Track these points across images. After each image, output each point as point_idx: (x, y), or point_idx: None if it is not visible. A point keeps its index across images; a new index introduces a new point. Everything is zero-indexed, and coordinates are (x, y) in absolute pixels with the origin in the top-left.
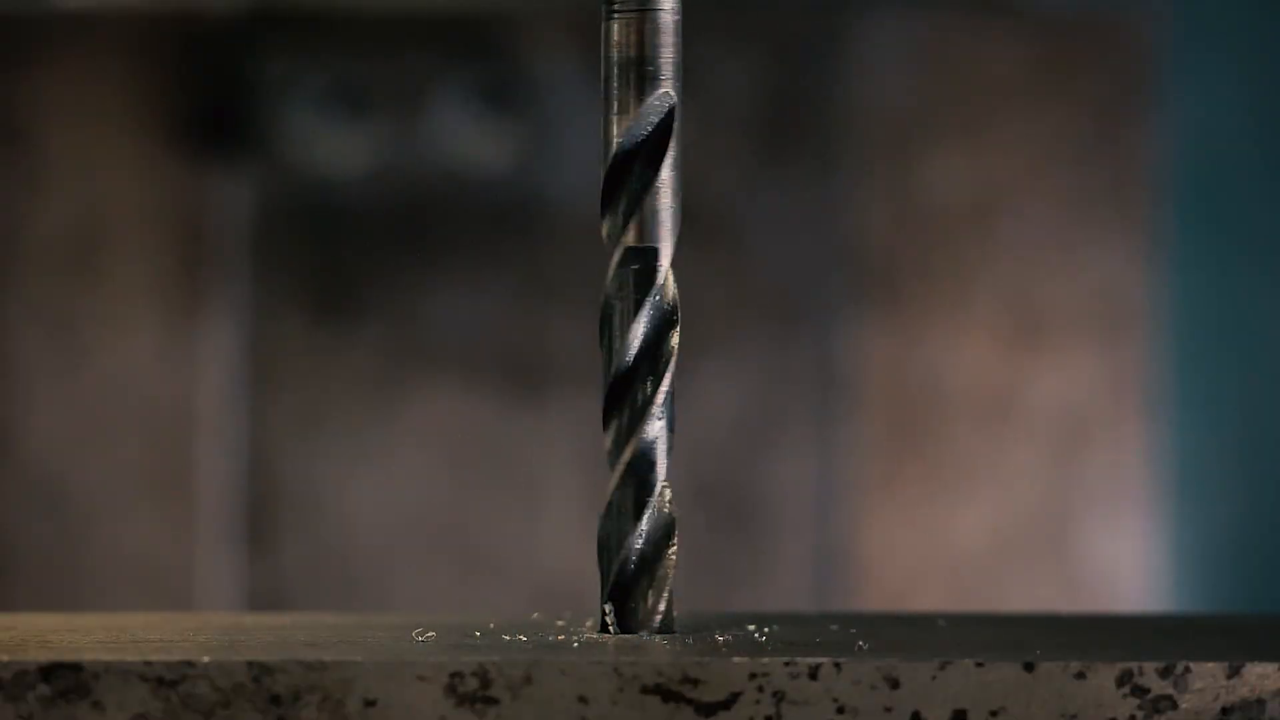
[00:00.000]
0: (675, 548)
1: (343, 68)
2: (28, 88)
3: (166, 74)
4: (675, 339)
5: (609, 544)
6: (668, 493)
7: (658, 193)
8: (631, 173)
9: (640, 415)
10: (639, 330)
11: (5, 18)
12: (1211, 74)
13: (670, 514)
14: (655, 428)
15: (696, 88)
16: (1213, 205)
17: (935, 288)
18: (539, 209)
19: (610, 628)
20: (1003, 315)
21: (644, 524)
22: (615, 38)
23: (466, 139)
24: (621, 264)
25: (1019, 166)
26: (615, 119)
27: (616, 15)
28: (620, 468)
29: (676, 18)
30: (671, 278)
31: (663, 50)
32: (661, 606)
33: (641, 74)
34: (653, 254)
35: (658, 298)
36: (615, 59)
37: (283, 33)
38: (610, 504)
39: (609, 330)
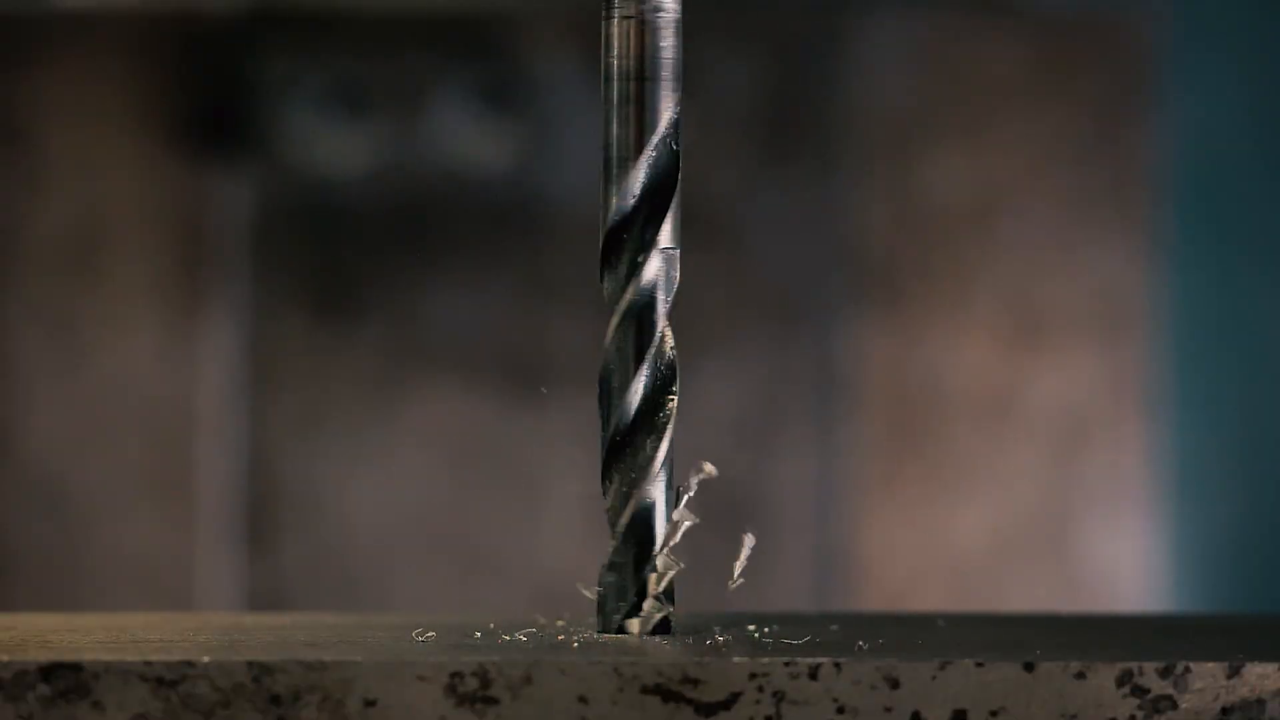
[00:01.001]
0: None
1: (343, 68)
2: (28, 88)
3: (166, 74)
4: (674, 401)
5: (608, 601)
6: (665, 553)
7: (657, 253)
8: (630, 233)
9: (640, 476)
10: (637, 389)
11: (5, 18)
12: (1211, 74)
13: (670, 595)
14: (655, 490)
15: (696, 88)
16: (1213, 205)
17: (935, 288)
18: (539, 209)
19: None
20: (1003, 315)
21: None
22: (615, 38)
23: (466, 139)
24: (621, 325)
25: (1019, 166)
26: (615, 123)
27: (616, 16)
28: (620, 528)
29: (676, 18)
30: (670, 336)
31: (663, 51)
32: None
33: (642, 75)
34: (650, 314)
35: (655, 357)
36: (615, 59)
37: (283, 33)
38: (610, 562)
39: (607, 391)
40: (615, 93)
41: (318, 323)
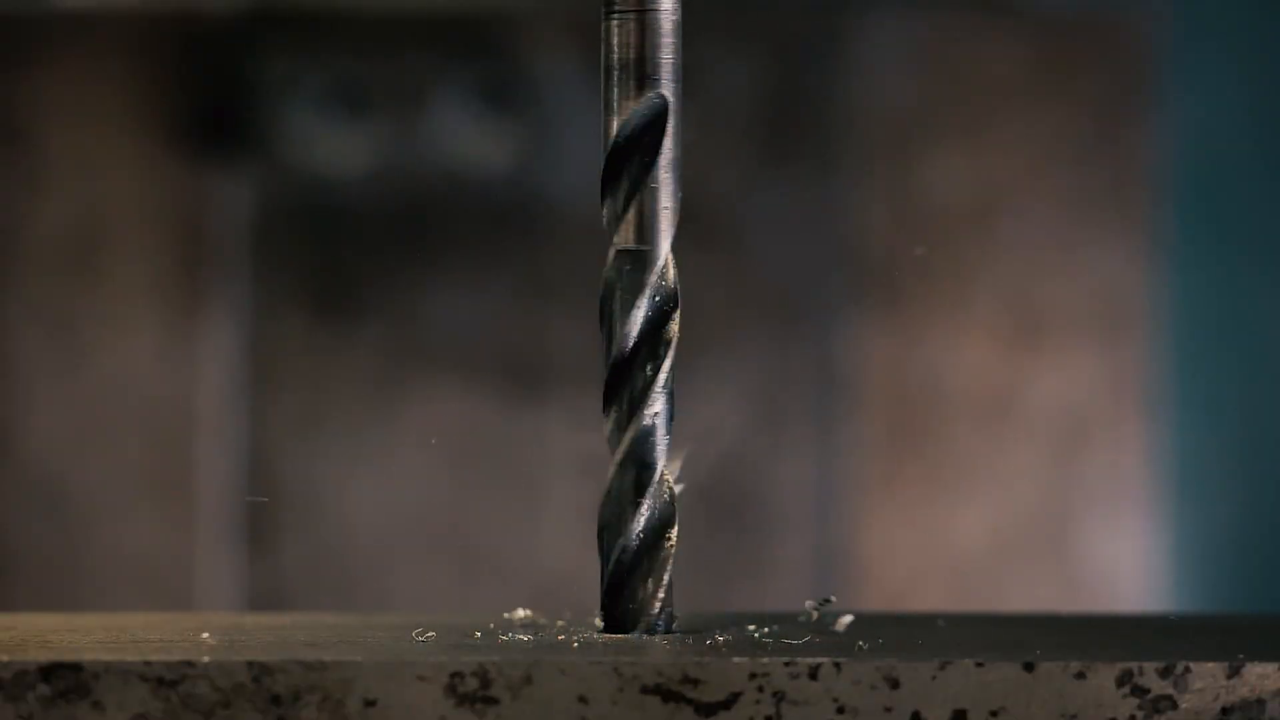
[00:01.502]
0: (675, 532)
1: (343, 68)
2: (28, 88)
3: (166, 74)
4: (675, 325)
5: (609, 529)
6: (669, 478)
7: (656, 180)
8: (629, 160)
9: (640, 400)
10: (638, 316)
11: (5, 18)
12: (1211, 74)
13: (671, 500)
14: (655, 412)
15: (696, 88)
16: (1213, 205)
17: (935, 288)
18: (539, 209)
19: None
20: (1003, 315)
21: (644, 509)
22: (615, 38)
23: (466, 139)
24: (621, 251)
25: (1019, 166)
26: (615, 119)
27: (616, 16)
28: (620, 453)
29: (676, 18)
30: (671, 264)
31: (662, 50)
32: (660, 594)
33: (641, 74)
34: (652, 241)
35: (657, 284)
36: (615, 59)
37: (283, 33)
38: (610, 489)
39: (609, 316)
40: (615, 93)
41: (318, 323)
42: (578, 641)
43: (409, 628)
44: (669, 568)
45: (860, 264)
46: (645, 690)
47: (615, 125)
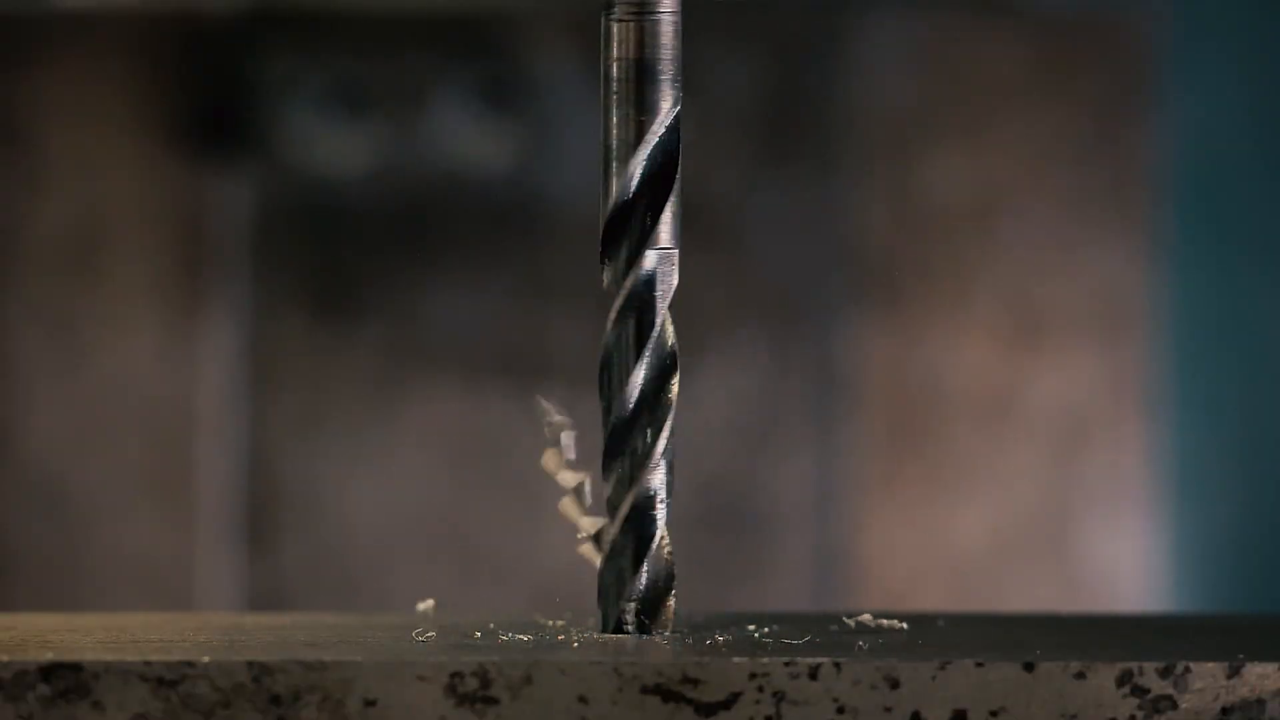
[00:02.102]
0: (674, 595)
1: (343, 68)
2: (28, 88)
3: (166, 74)
4: (675, 388)
5: (609, 592)
6: (667, 542)
7: (658, 241)
8: (631, 221)
9: (640, 465)
10: (638, 379)
11: (5, 18)
12: (1211, 74)
13: (670, 562)
14: (656, 478)
15: (696, 88)
16: (1213, 205)
17: (935, 288)
18: (539, 209)
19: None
20: (1003, 315)
21: (644, 574)
22: (615, 39)
23: (466, 139)
24: (621, 313)
25: (1019, 166)
26: (615, 122)
27: (616, 16)
28: (620, 518)
29: (677, 19)
30: (670, 325)
31: (663, 51)
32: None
33: (641, 75)
34: (652, 302)
35: (657, 345)
36: (615, 60)
37: (283, 33)
38: (610, 552)
39: (608, 380)
40: (615, 93)
41: (318, 323)
42: (578, 641)
43: (409, 628)
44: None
45: (860, 264)
46: (645, 690)
47: (615, 184)
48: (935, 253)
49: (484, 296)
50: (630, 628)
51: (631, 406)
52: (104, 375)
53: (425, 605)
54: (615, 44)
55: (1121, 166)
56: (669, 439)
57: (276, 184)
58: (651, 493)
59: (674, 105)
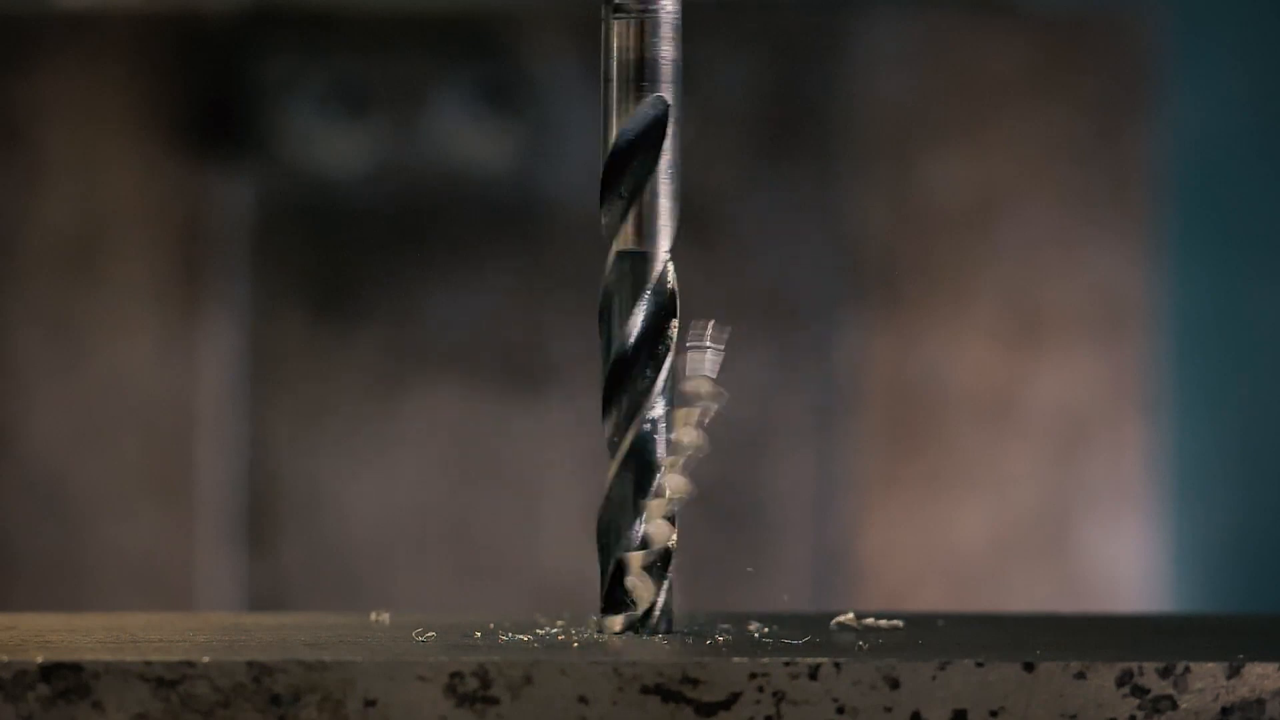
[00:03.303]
0: (675, 534)
1: (343, 68)
2: (28, 88)
3: (166, 74)
4: (674, 328)
5: (609, 532)
6: (668, 478)
7: (656, 183)
8: (630, 165)
9: (639, 402)
10: (638, 319)
11: (5, 18)
12: (1211, 74)
13: (671, 508)
14: (655, 414)
15: (696, 88)
16: (1213, 205)
17: (935, 288)
18: (539, 209)
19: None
20: (1003, 315)
21: (644, 511)
22: (615, 38)
23: (466, 139)
24: (620, 255)
25: (1019, 166)
26: (615, 119)
27: (617, 16)
28: (620, 455)
29: (677, 18)
30: (671, 268)
31: (663, 51)
32: (662, 596)
33: (641, 76)
34: (651, 244)
35: (656, 287)
36: (615, 60)
37: (283, 33)
38: (610, 491)
39: (608, 320)
40: (615, 94)
41: (318, 322)
42: (578, 641)
43: (409, 628)
44: (669, 569)
45: (860, 264)
46: (645, 690)
47: (615, 129)
48: (935, 253)
49: (484, 296)
50: (629, 603)
51: (631, 345)
52: (104, 375)
53: (380, 616)
54: (615, 44)
55: (1121, 166)
56: (668, 378)
57: (276, 184)
58: (651, 430)
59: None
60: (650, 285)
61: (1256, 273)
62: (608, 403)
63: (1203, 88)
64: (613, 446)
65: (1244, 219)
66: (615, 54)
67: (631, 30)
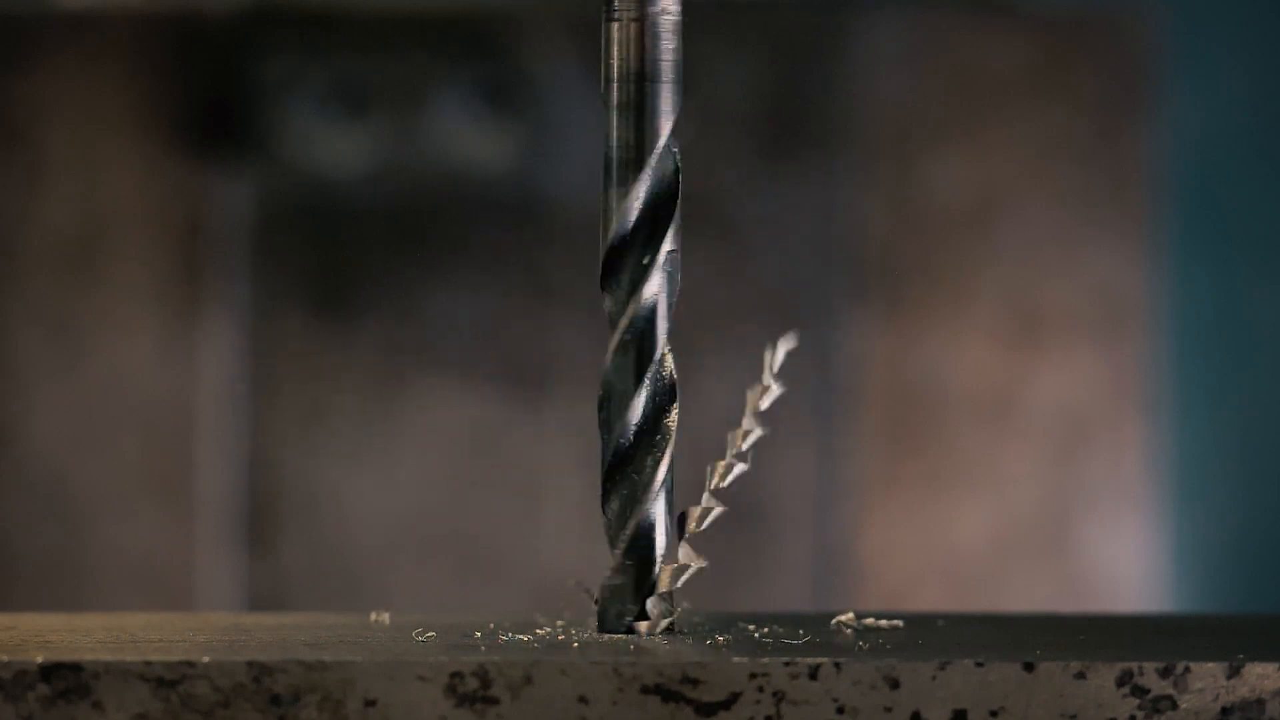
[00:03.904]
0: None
1: (343, 68)
2: (28, 88)
3: (166, 74)
4: (674, 417)
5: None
6: (665, 573)
7: (658, 271)
8: (631, 252)
9: (641, 494)
10: (637, 408)
11: (5, 18)
12: (1211, 74)
13: (670, 594)
14: (656, 509)
15: (696, 87)
16: (1213, 205)
17: (935, 288)
18: (539, 209)
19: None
20: (1003, 315)
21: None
22: (615, 40)
23: (466, 139)
24: (621, 343)
25: (1019, 166)
26: (616, 124)
27: (617, 17)
28: (621, 549)
29: (677, 20)
30: (670, 356)
31: (663, 52)
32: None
33: (642, 76)
34: (651, 332)
35: (656, 375)
36: (615, 61)
37: (283, 33)
38: (611, 583)
39: (608, 410)
40: (616, 95)
41: (318, 322)
42: (577, 641)
43: (409, 628)
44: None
45: (860, 264)
46: (645, 690)
47: (614, 221)
48: (935, 253)
49: (484, 296)
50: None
51: (631, 436)
52: (104, 375)
53: (380, 616)
54: (616, 45)
55: (1121, 166)
56: (669, 468)
57: (277, 184)
58: (651, 524)
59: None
60: (651, 373)
61: (1256, 273)
62: (607, 496)
63: (1203, 88)
64: (612, 539)
65: (1244, 219)
66: (615, 56)
67: (632, 31)
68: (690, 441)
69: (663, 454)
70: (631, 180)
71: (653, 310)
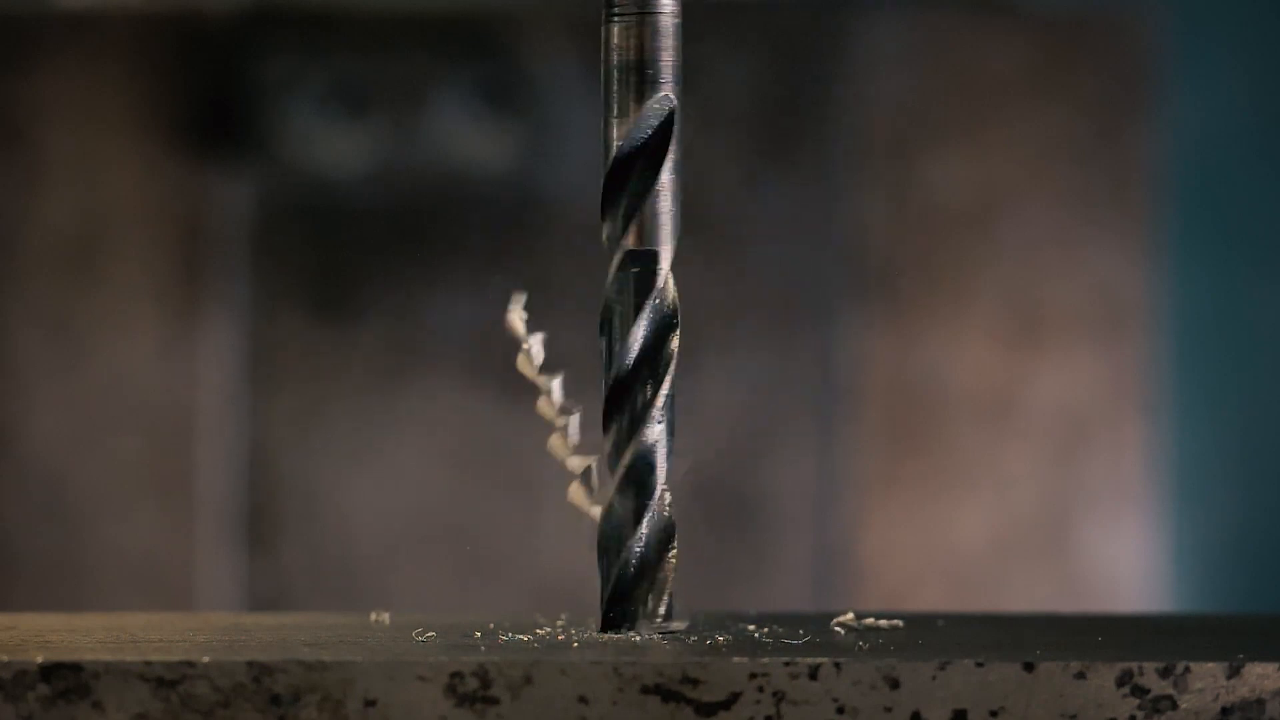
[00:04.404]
0: (675, 551)
1: (343, 68)
2: (28, 88)
3: (166, 74)
4: (675, 342)
5: (609, 548)
6: (667, 496)
7: (658, 196)
8: (631, 176)
9: (640, 419)
10: (639, 333)
11: (5, 18)
12: (1211, 74)
13: (670, 517)
14: (655, 431)
15: (696, 88)
16: (1213, 205)
17: (935, 288)
18: (539, 209)
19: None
20: (1003, 315)
21: (644, 528)
22: (615, 40)
23: (466, 139)
24: (621, 267)
25: (1019, 166)
26: (615, 121)
27: (616, 17)
28: (620, 472)
29: (676, 20)
30: (672, 281)
31: (663, 52)
32: (661, 610)
33: (642, 76)
34: (652, 257)
35: (658, 301)
36: (615, 61)
37: (283, 33)
38: (610, 508)
39: (609, 334)
40: (615, 94)
41: (318, 322)
42: (578, 641)
43: (409, 628)
44: (670, 584)
45: (860, 264)
46: (645, 690)
47: (616, 134)
48: (935, 253)
49: (484, 296)
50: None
51: (632, 360)
52: (104, 375)
53: (380, 616)
54: (615, 45)
55: (1121, 166)
56: (669, 394)
57: (277, 184)
58: (651, 447)
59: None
60: (652, 299)
61: (1256, 273)
62: (608, 420)
63: (1203, 88)
64: (612, 464)
65: (1244, 219)
66: (615, 56)
67: (631, 32)
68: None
69: (663, 379)
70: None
71: (655, 233)
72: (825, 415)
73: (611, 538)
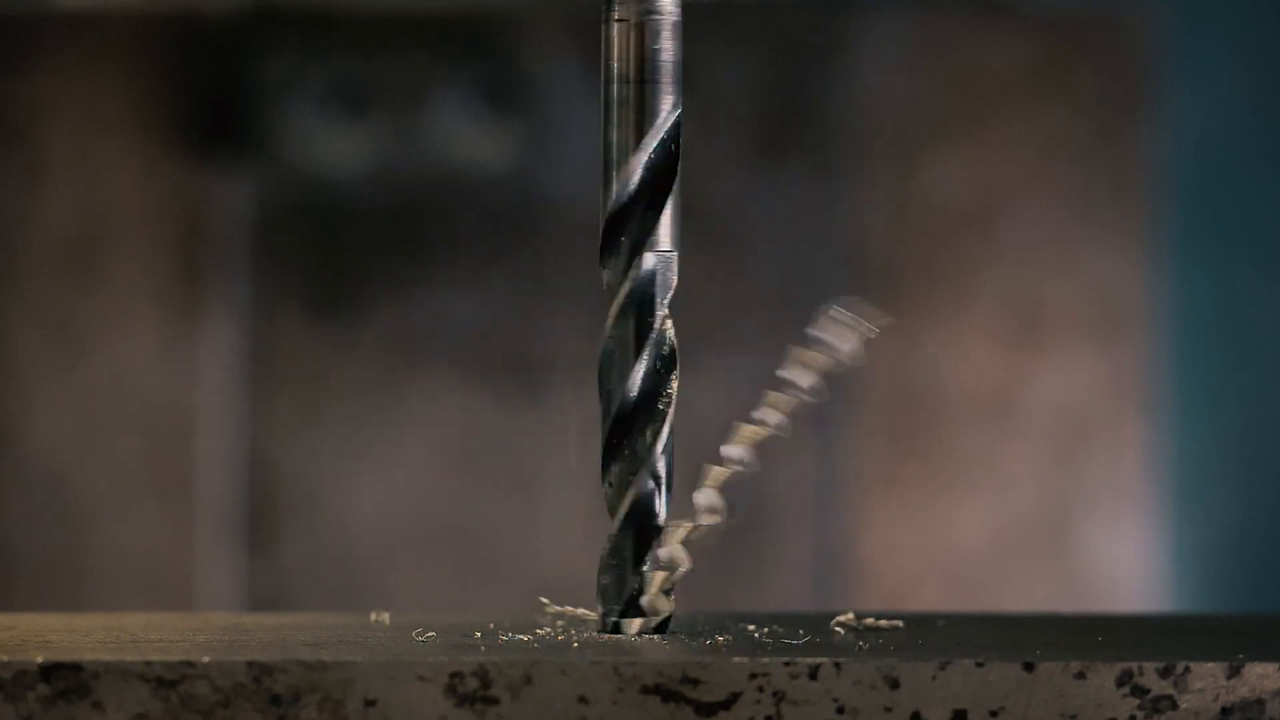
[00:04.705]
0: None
1: (343, 68)
2: (28, 88)
3: (166, 74)
4: (675, 385)
5: (609, 593)
6: (655, 579)
7: (657, 241)
8: (630, 221)
9: (639, 464)
10: (637, 377)
11: (5, 18)
12: (1211, 74)
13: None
14: (656, 472)
15: (696, 88)
16: (1213, 205)
17: (935, 288)
18: (539, 209)
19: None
20: (1003, 315)
21: (645, 573)
22: (615, 41)
23: (466, 139)
24: (621, 313)
25: (1019, 166)
26: (615, 124)
27: (617, 18)
28: (620, 517)
29: (676, 20)
30: (670, 325)
31: (663, 53)
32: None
33: (641, 78)
34: (651, 302)
35: (656, 343)
36: (615, 62)
37: (283, 33)
38: (610, 550)
39: (607, 378)
40: (614, 96)
41: (318, 322)
42: (578, 641)
43: (409, 628)
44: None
45: (860, 264)
46: (645, 690)
47: (615, 185)
48: (935, 253)
49: (484, 296)
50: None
51: (631, 405)
52: (104, 375)
53: (380, 616)
54: (615, 46)
55: (1121, 166)
56: (668, 439)
57: (277, 184)
58: (650, 492)
59: (673, 109)
60: (651, 342)
61: (1256, 273)
62: (607, 463)
63: (1203, 88)
64: (612, 506)
65: (1244, 219)
66: (615, 57)
67: (631, 33)
68: (690, 444)
69: (662, 423)
70: (632, 154)
71: (652, 278)
72: (825, 415)
73: (612, 582)
